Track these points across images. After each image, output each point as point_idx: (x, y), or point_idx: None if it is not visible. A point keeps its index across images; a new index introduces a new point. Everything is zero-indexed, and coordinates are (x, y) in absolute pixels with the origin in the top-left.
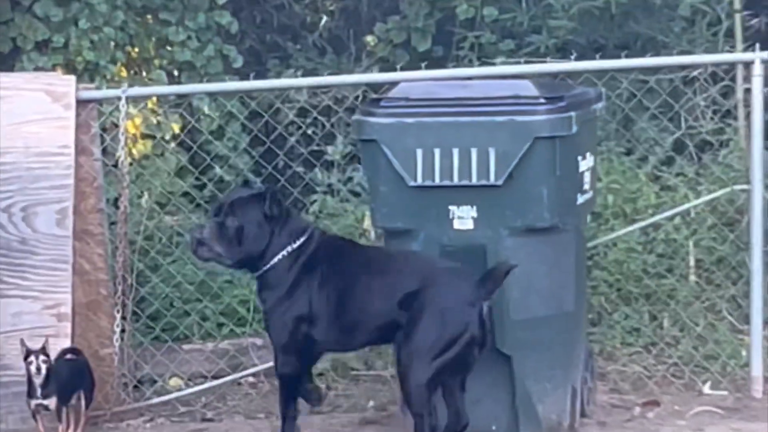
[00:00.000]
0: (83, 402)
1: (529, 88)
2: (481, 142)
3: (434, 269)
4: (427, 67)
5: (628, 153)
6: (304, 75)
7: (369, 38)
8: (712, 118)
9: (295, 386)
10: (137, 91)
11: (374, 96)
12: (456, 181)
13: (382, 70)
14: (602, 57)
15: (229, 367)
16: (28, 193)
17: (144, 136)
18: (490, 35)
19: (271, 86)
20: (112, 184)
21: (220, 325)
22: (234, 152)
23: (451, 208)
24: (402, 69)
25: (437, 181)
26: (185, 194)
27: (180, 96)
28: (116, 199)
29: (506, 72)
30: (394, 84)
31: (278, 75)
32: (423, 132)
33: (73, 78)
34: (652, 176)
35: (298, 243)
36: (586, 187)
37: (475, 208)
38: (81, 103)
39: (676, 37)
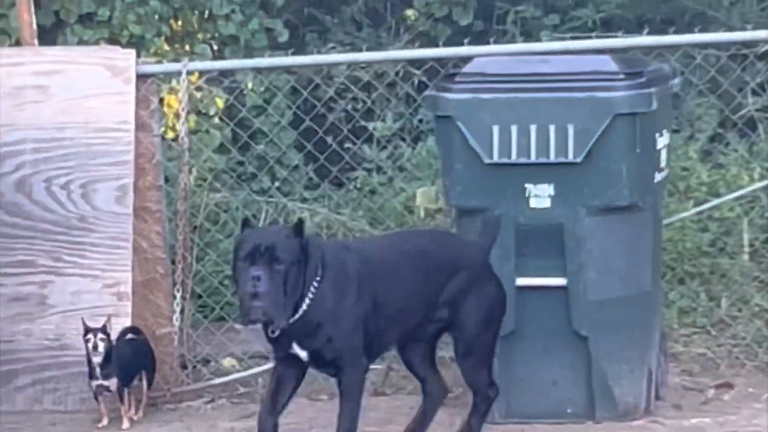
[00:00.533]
0: (145, 383)
1: (609, 64)
2: (559, 118)
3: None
4: (470, 43)
5: (676, 131)
6: (342, 50)
7: (409, 12)
8: (759, 95)
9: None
10: (199, 65)
11: (449, 72)
12: (533, 158)
13: (422, 45)
14: (649, 32)
15: None
16: (87, 170)
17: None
18: (534, 9)
19: (336, 61)
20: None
21: None
22: (277, 128)
23: (528, 186)
24: (445, 44)
25: (514, 158)
26: (226, 171)
27: (223, 71)
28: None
29: (552, 48)
30: (437, 61)
31: (317, 50)
32: (500, 108)
33: (133, 52)
34: (702, 154)
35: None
36: (663, 164)
37: (552, 186)
38: (140, 77)
39: (726, 12)
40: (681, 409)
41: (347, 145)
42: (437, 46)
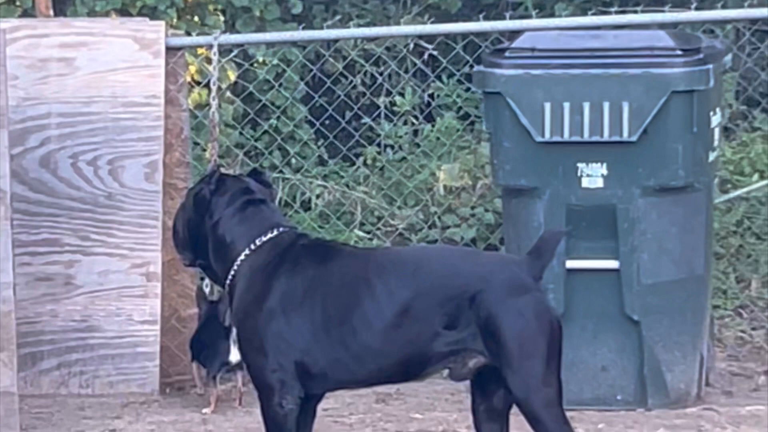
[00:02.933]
0: None
1: (665, 39)
2: (613, 95)
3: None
4: (481, 14)
5: None
6: (349, 22)
7: None
8: None
9: None
10: (229, 38)
11: (498, 46)
12: (586, 137)
13: (431, 17)
14: (669, 5)
15: None
16: (114, 146)
17: (199, 85)
18: None
19: (370, 34)
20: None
21: None
22: (289, 101)
23: (580, 165)
24: (456, 17)
25: (566, 136)
26: (238, 145)
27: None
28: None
29: (598, 22)
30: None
31: (324, 22)
32: (551, 85)
33: (162, 24)
34: (724, 132)
35: None
36: (716, 144)
37: (605, 165)
38: (169, 50)
39: None
40: (732, 396)
41: (363, 120)
42: (449, 18)
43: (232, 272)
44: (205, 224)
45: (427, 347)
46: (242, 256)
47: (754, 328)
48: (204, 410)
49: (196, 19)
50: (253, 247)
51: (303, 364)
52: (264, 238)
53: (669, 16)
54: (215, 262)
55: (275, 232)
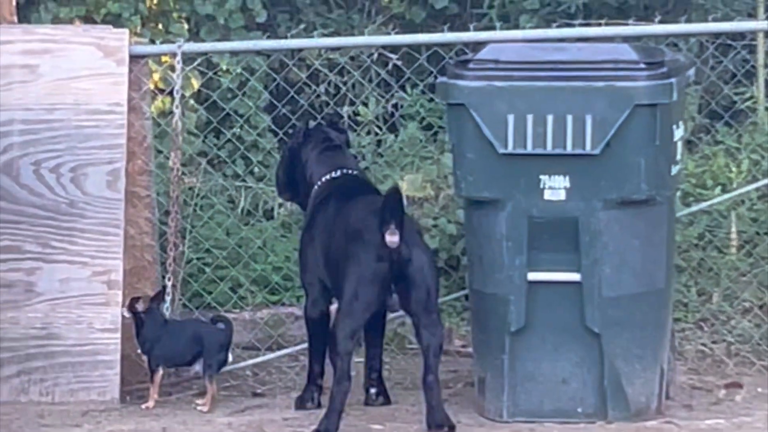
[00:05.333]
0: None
1: (628, 52)
2: (577, 108)
3: None
4: (445, 25)
5: None
6: (314, 31)
7: None
8: (746, 86)
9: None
10: (192, 47)
11: (462, 57)
12: (549, 149)
13: (396, 27)
14: (633, 18)
15: (268, 338)
16: (77, 153)
17: (162, 93)
18: None
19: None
20: None
21: (252, 293)
22: (253, 111)
23: (542, 177)
24: (420, 27)
25: (529, 148)
26: (201, 153)
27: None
28: None
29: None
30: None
31: (288, 31)
32: (515, 96)
33: (126, 32)
34: (687, 145)
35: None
36: (678, 157)
37: (567, 178)
38: (133, 58)
39: None
40: (692, 409)
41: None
42: (413, 29)
43: (309, 201)
44: (297, 167)
45: None
46: (314, 189)
47: (714, 342)
48: (198, 402)
49: (160, 26)
50: (320, 183)
51: (321, 281)
52: (328, 177)
53: (633, 29)
54: (303, 196)
55: (338, 173)
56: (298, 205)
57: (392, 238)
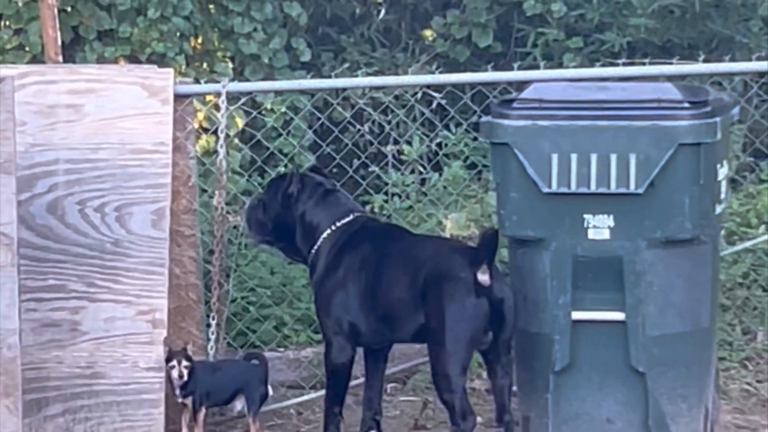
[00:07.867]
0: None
1: (672, 91)
2: (621, 147)
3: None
4: (489, 64)
5: None
6: (357, 70)
7: (427, 33)
8: None
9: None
10: (237, 86)
11: (506, 97)
12: (593, 188)
13: (440, 66)
14: (677, 57)
15: (312, 377)
16: (122, 192)
17: (206, 132)
18: (556, 32)
19: (378, 83)
20: None
21: (296, 331)
22: (297, 150)
23: (587, 216)
24: (464, 66)
25: (573, 188)
26: (245, 192)
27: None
28: None
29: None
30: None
31: (333, 70)
32: (559, 136)
33: (171, 71)
34: (731, 183)
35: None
36: (723, 196)
37: (612, 217)
38: (177, 97)
39: (755, 37)
40: None
41: (371, 168)
42: (457, 68)
43: (315, 248)
44: (291, 213)
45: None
46: (324, 236)
47: (759, 381)
48: None
49: (205, 66)
50: (333, 228)
51: (354, 325)
52: (341, 222)
53: (677, 68)
54: (295, 242)
55: (351, 216)
56: (279, 251)
57: (484, 277)
